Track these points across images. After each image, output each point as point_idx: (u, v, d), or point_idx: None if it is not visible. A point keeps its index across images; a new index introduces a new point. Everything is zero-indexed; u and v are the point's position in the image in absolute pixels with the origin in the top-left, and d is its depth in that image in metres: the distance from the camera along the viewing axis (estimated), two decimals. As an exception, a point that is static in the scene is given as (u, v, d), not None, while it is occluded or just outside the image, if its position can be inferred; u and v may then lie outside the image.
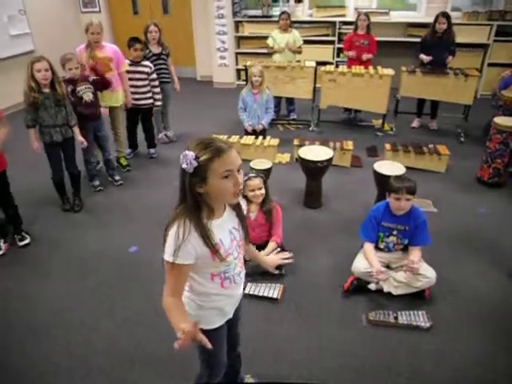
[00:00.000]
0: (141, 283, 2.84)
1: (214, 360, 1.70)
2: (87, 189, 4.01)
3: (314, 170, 3.61)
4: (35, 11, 6.45)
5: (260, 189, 2.82)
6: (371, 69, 4.95)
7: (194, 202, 1.34)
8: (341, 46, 6.25)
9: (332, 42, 6.74)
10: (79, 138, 3.55)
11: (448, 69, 4.90)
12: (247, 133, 4.67)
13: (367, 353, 2.31)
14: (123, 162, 4.51)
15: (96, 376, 2.20)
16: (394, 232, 2.67)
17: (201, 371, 1.76)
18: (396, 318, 2.49)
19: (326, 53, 6.74)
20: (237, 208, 1.51)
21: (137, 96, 4.39)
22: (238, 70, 7.37)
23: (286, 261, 1.84)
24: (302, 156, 3.59)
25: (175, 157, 4.66)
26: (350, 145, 4.37)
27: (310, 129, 5.38)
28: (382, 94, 4.89)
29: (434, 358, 2.27)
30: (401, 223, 2.64)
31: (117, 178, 4.19)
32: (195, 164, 1.28)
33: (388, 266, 2.72)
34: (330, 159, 3.58)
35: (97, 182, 4.08)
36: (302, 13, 6.99)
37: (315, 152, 3.65)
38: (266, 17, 6.87)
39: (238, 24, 7.11)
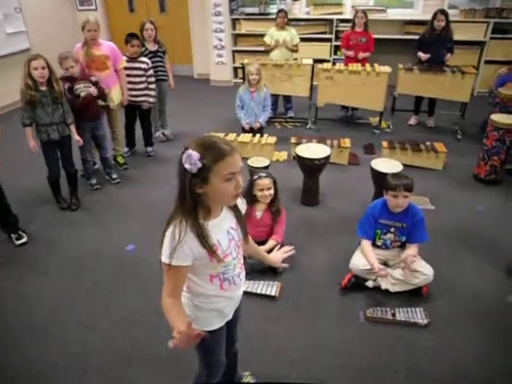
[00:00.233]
0: (138, 282, 2.84)
1: (212, 360, 1.69)
2: (84, 187, 4.00)
3: (312, 168, 3.60)
4: (31, 9, 6.41)
5: (269, 189, 2.82)
6: (368, 66, 4.95)
7: (192, 203, 1.32)
8: (338, 43, 6.24)
9: (329, 40, 6.73)
10: (75, 136, 3.54)
11: (445, 66, 4.91)
12: (244, 131, 4.66)
13: (365, 350, 2.31)
14: (120, 160, 4.49)
15: (93, 375, 2.20)
16: (392, 229, 2.68)
17: (199, 371, 1.75)
18: (394, 315, 2.49)
19: (323, 50, 6.73)
20: (234, 208, 1.50)
21: (134, 93, 4.37)
22: (235, 68, 7.35)
23: (290, 253, 1.82)
24: (300, 154, 3.59)
25: (172, 155, 4.64)
26: (347, 142, 4.37)
27: (308, 127, 5.38)
28: (379, 92, 4.90)
29: (431, 355, 2.28)
30: (398, 220, 2.64)
31: (114, 176, 4.17)
32: (199, 165, 1.25)
33: (385, 264, 2.72)
34: (328, 157, 3.58)
35: (94, 181, 4.06)
36: (299, 10, 6.98)
37: (312, 150, 3.65)
38: (263, 14, 6.86)
39: (235, 22, 7.09)
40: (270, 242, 2.87)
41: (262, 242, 2.86)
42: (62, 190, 3.77)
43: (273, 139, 4.42)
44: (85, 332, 2.46)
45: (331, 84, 5.02)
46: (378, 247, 2.75)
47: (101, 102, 3.95)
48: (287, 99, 5.70)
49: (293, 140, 4.38)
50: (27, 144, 3.41)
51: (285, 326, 2.48)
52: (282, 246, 2.91)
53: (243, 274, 1.58)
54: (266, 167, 3.61)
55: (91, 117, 3.79)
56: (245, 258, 1.69)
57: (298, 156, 3.63)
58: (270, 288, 2.71)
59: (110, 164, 4.21)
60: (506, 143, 3.81)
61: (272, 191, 2.84)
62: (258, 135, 4.50)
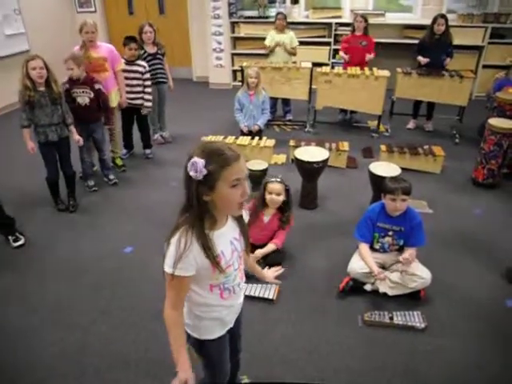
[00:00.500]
0: (136, 284, 2.83)
1: (217, 370, 1.67)
2: (82, 189, 4.00)
3: (310, 171, 3.61)
4: (30, 11, 6.41)
5: (278, 195, 2.82)
6: (367, 70, 4.97)
7: (199, 211, 1.30)
8: (337, 47, 6.28)
9: (328, 44, 6.76)
10: (76, 136, 3.54)
11: (443, 70, 4.93)
12: (243, 133, 4.67)
13: (362, 353, 2.31)
14: (119, 162, 4.49)
15: (90, 377, 2.19)
16: (390, 233, 2.68)
17: (203, 379, 1.73)
18: (391, 319, 2.49)
19: (322, 54, 6.75)
20: (239, 217, 1.48)
21: (131, 95, 4.37)
22: (234, 71, 7.36)
23: (279, 272, 1.87)
24: (298, 157, 3.59)
25: (171, 158, 4.66)
26: (345, 146, 4.38)
27: (306, 130, 5.39)
28: (378, 96, 4.91)
29: (428, 358, 2.28)
30: (396, 224, 2.65)
31: (111, 177, 4.17)
32: (205, 172, 1.23)
33: (383, 267, 2.72)
34: (326, 160, 3.58)
35: (91, 182, 4.06)
36: (299, 14, 7.00)
37: (311, 153, 3.65)
38: (263, 18, 6.88)
39: (234, 25, 7.12)
40: (269, 246, 2.87)
41: (261, 246, 2.86)
42: (60, 191, 3.76)
43: (271, 142, 4.42)
44: (82, 334, 2.45)
45: (330, 87, 5.03)
46: (376, 251, 2.75)
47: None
48: (286, 102, 5.72)
49: (291, 143, 4.39)
50: (25, 145, 3.41)
51: (282, 329, 2.48)
52: (279, 251, 2.93)
53: (243, 283, 1.57)
54: (265, 170, 3.62)
55: (89, 120, 3.79)
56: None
57: (296, 159, 3.63)
58: (267, 291, 2.71)
59: (108, 166, 4.21)
60: (503, 147, 3.82)
61: (281, 198, 2.83)
62: (256, 138, 4.50)
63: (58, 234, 3.41)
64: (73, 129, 3.53)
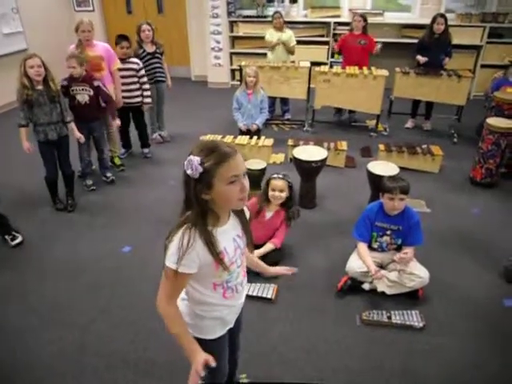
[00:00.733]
0: (134, 283, 2.83)
1: (215, 369, 1.67)
2: (80, 188, 3.99)
3: (308, 171, 3.61)
4: (28, 10, 6.40)
5: (281, 191, 2.82)
6: (365, 70, 4.97)
7: (200, 210, 1.30)
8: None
9: (327, 43, 6.75)
10: (76, 133, 3.54)
11: (442, 70, 4.94)
12: (242, 133, 4.66)
13: (361, 352, 2.32)
14: (117, 161, 4.48)
15: (89, 377, 2.19)
16: (388, 232, 2.69)
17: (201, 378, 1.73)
18: (389, 318, 2.50)
19: (320, 53, 6.75)
20: (241, 215, 1.48)
21: (127, 94, 4.35)
22: (233, 70, 7.36)
23: (289, 272, 1.84)
24: (297, 156, 3.60)
25: (169, 157, 4.65)
26: (344, 145, 4.38)
27: (305, 129, 5.39)
28: (376, 95, 4.92)
29: (426, 357, 2.28)
30: (394, 223, 2.65)
31: (108, 174, 4.17)
32: (200, 170, 1.23)
33: (381, 266, 2.73)
34: (324, 159, 3.59)
35: (90, 182, 4.06)
36: (297, 13, 7.01)
37: (309, 152, 3.66)
38: (261, 17, 6.88)
39: (232, 24, 7.11)
40: (268, 246, 2.87)
41: (261, 246, 2.86)
42: (59, 191, 3.75)
43: (270, 141, 4.42)
44: (81, 333, 2.45)
45: (328, 87, 5.03)
46: (374, 250, 2.76)
47: (103, 104, 3.97)
48: (284, 101, 5.72)
49: (290, 142, 4.39)
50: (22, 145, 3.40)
51: (280, 328, 2.48)
52: (278, 250, 2.93)
53: (245, 281, 1.57)
54: (263, 170, 3.61)
55: (89, 118, 3.78)
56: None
57: (294, 158, 3.63)
58: (266, 290, 2.71)
59: (106, 165, 4.21)
60: (501, 146, 3.83)
61: (284, 195, 2.84)
62: (255, 137, 4.50)
63: (57, 233, 3.41)
64: (73, 126, 3.52)
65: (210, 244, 1.31)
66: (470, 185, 4.07)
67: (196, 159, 1.23)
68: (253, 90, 4.62)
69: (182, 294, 1.49)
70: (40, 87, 3.27)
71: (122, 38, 4.30)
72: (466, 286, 2.79)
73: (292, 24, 6.29)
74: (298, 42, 5.57)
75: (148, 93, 4.46)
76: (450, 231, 3.36)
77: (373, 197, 3.39)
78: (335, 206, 3.73)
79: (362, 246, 2.68)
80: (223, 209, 1.37)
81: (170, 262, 1.30)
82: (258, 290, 2.72)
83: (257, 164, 3.62)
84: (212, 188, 1.27)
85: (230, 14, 6.96)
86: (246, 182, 1.32)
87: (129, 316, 2.57)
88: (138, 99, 4.45)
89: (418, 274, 2.58)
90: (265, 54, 5.69)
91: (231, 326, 1.61)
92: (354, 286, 2.70)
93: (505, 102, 4.17)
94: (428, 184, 4.02)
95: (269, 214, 2.93)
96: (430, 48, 4.93)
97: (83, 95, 3.64)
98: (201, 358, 1.36)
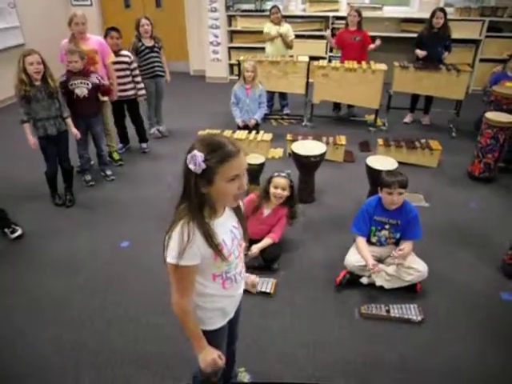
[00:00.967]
0: (132, 279, 2.83)
1: None
2: (79, 184, 3.99)
3: (307, 165, 3.61)
4: (25, 4, 6.34)
5: (283, 190, 2.82)
6: (364, 64, 4.95)
7: (198, 202, 1.31)
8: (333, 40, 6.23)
9: (325, 37, 6.71)
10: (73, 129, 3.53)
11: (440, 64, 4.93)
12: (240, 127, 4.65)
13: (359, 346, 2.33)
14: (115, 156, 4.47)
15: (87, 374, 2.19)
16: (386, 226, 2.69)
17: (199, 369, 1.73)
18: (388, 312, 2.51)
19: (318, 47, 6.72)
20: (236, 208, 1.49)
21: (121, 87, 4.31)
22: (231, 65, 7.33)
23: (253, 290, 1.75)
24: (295, 151, 3.59)
25: (167, 152, 4.63)
26: (342, 140, 4.38)
27: (303, 124, 5.38)
28: (375, 89, 4.90)
29: (425, 351, 2.29)
30: (393, 217, 2.66)
31: (109, 172, 4.16)
32: (203, 166, 1.24)
33: (380, 260, 2.73)
34: (323, 154, 3.58)
35: (88, 177, 4.05)
36: (295, 7, 6.97)
37: (308, 147, 3.65)
38: (259, 11, 6.84)
39: (230, 18, 7.07)
40: (266, 240, 2.86)
41: (257, 241, 2.86)
42: (58, 186, 3.74)
43: (268, 136, 4.42)
44: (79, 330, 2.45)
45: (327, 81, 5.02)
46: (373, 244, 2.76)
47: (103, 98, 3.95)
48: (283, 96, 5.70)
49: (288, 137, 4.38)
50: (24, 140, 3.39)
51: (279, 322, 2.49)
52: (277, 245, 2.93)
53: (244, 271, 1.58)
54: (262, 164, 3.61)
55: (88, 113, 3.76)
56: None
57: (293, 153, 3.63)
58: (265, 285, 2.72)
59: (105, 161, 4.20)
60: (499, 141, 3.83)
61: (285, 193, 2.83)
62: (253, 132, 4.50)
63: (55, 228, 3.40)
64: (70, 122, 3.51)
65: (209, 236, 1.33)
66: (469, 179, 4.08)
67: (200, 155, 1.24)
68: (251, 84, 4.60)
69: None
70: (38, 83, 3.26)
71: (111, 29, 4.28)
72: (463, 279, 2.80)
73: (290, 18, 6.25)
74: (297, 37, 5.54)
75: (141, 85, 4.46)
76: (448, 225, 3.36)
77: (371, 191, 3.39)
78: (334, 201, 3.74)
79: (361, 241, 2.69)
80: (218, 203, 1.39)
81: (171, 257, 1.32)
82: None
83: (255, 159, 3.62)
84: (212, 184, 1.28)
85: (228, 8, 6.92)
86: (245, 180, 1.34)
87: (127, 312, 2.57)
88: (132, 92, 4.44)
89: (416, 268, 2.59)
90: (263, 49, 5.66)
91: (231, 316, 1.62)
92: (352, 280, 2.71)
93: (503, 96, 4.16)
94: (426, 178, 4.03)
95: (267, 212, 2.93)
96: (429, 42, 4.92)
97: (82, 89, 3.62)
98: (210, 357, 1.48)
